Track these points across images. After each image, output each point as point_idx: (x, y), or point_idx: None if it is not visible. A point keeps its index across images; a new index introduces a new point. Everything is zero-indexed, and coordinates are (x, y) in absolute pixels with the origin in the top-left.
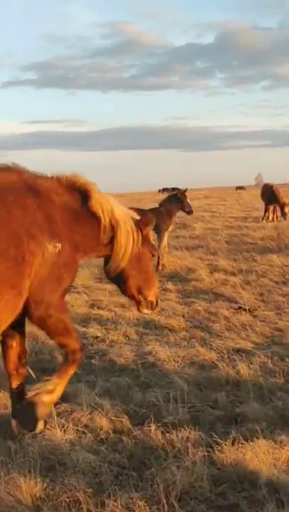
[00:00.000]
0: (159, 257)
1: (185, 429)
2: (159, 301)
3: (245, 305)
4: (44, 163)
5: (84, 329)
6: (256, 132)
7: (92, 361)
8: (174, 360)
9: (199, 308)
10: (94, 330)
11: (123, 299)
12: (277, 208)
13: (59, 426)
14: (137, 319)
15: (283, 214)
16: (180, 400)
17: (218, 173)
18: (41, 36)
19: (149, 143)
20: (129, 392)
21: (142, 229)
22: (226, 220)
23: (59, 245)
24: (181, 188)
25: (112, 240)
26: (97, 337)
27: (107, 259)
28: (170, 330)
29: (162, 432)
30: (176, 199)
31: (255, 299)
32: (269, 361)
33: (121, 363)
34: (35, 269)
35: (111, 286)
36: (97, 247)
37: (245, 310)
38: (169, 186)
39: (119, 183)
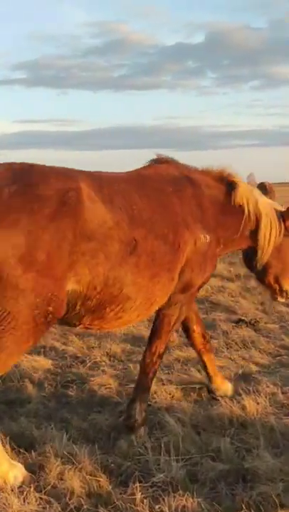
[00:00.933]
0: None
1: (180, 494)
2: None
3: (245, 317)
4: (35, 162)
5: (63, 347)
6: (248, 132)
7: (68, 391)
8: (166, 392)
9: None
10: (73, 348)
11: None
12: None
13: (15, 492)
14: (125, 334)
15: None
16: (173, 449)
17: None
18: (31, 36)
19: (140, 142)
20: (111, 436)
21: (286, 220)
22: None
23: (208, 237)
24: None
25: (252, 233)
26: (76, 357)
27: (248, 251)
28: None
29: (151, 499)
30: None
31: (255, 309)
32: (279, 391)
33: (102, 395)
34: (186, 258)
35: None
36: (235, 241)
37: (245, 323)
38: None
39: None
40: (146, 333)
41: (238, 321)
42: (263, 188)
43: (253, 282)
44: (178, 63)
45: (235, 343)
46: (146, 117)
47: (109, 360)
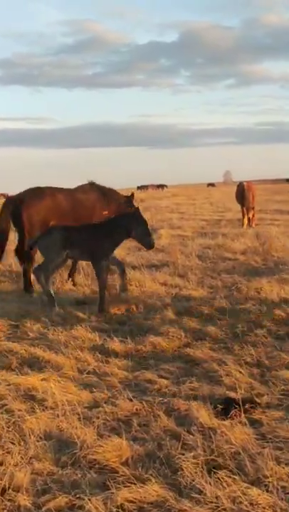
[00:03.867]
0: None
1: None
2: None
3: (236, 393)
4: (9, 160)
5: None
6: (222, 130)
7: None
8: None
9: (158, 398)
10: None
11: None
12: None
13: None
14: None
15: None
16: None
17: (187, 171)
18: (2, 34)
19: (116, 140)
20: None
21: None
22: (197, 224)
23: None
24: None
25: None
26: None
27: None
28: (103, 468)
29: None
30: None
31: (250, 374)
32: None
33: None
34: None
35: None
36: None
37: (235, 406)
38: (139, 184)
39: (86, 180)
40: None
41: (224, 407)
42: None
43: (242, 322)
44: (151, 62)
45: (220, 467)
46: (120, 115)
47: None
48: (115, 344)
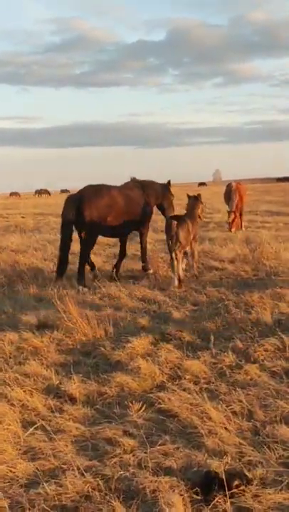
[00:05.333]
0: None
1: None
2: None
3: (221, 462)
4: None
5: None
6: (211, 129)
7: None
8: None
9: (119, 470)
10: None
11: None
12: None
13: None
14: None
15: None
16: None
17: (177, 170)
18: None
19: (104, 140)
20: None
21: None
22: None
23: None
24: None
25: None
26: None
27: None
28: None
29: None
30: None
31: (239, 431)
32: None
33: None
34: None
35: None
36: None
37: (219, 486)
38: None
39: (76, 179)
40: None
41: (207, 482)
42: None
43: (229, 357)
44: (139, 60)
45: None
46: (109, 114)
47: None
48: (74, 386)
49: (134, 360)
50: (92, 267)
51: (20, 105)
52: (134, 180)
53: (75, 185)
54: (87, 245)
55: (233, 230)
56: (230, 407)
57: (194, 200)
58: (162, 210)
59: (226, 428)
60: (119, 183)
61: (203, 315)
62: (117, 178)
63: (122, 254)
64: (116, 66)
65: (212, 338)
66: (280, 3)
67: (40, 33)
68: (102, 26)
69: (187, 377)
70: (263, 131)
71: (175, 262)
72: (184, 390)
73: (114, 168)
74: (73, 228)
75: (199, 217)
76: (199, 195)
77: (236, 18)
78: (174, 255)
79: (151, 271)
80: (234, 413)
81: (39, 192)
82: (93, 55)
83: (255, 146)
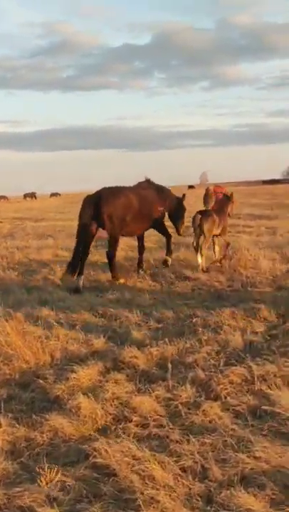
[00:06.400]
0: None
1: None
2: None
3: None
4: None
5: None
6: (200, 132)
7: None
8: None
9: None
10: None
11: None
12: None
13: None
14: None
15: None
16: None
17: (166, 173)
18: None
19: (94, 143)
20: None
21: None
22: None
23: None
24: None
25: None
26: None
27: None
28: None
29: None
30: None
31: (188, 497)
32: None
33: None
34: None
35: None
36: None
37: None
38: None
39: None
40: None
41: None
42: None
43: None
44: (125, 64)
45: None
46: (97, 118)
47: None
48: None
49: (75, 396)
50: (80, 272)
51: (9, 109)
52: (148, 180)
53: (66, 189)
54: (111, 246)
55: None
56: (180, 462)
57: (226, 199)
58: (173, 220)
59: (170, 495)
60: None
61: (167, 334)
62: (108, 181)
63: (142, 248)
64: (102, 70)
65: (170, 366)
66: (267, 7)
67: (26, 37)
68: (88, 30)
69: (134, 418)
70: (251, 134)
71: (200, 251)
72: (129, 436)
73: (104, 171)
74: (92, 229)
75: (229, 214)
76: (232, 194)
77: (223, 22)
78: (196, 245)
79: (170, 261)
80: (184, 470)
81: (27, 195)
82: (79, 58)
83: (244, 149)
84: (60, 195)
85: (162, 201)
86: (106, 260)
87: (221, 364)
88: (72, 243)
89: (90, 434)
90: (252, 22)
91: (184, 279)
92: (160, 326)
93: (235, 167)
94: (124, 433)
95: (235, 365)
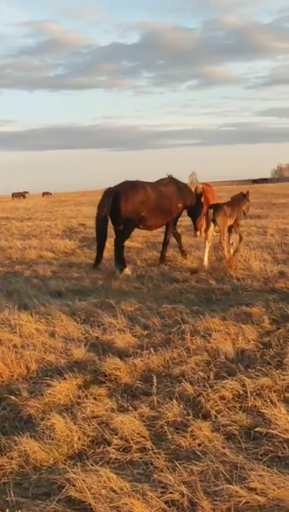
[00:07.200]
0: None
1: None
2: None
3: None
4: None
5: None
6: (187, 131)
7: None
8: None
9: None
10: None
11: None
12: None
13: None
14: None
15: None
16: None
17: (154, 172)
18: None
19: (80, 142)
20: None
21: None
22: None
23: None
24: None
25: None
26: None
27: None
28: None
29: None
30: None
31: None
32: None
33: None
34: None
35: None
36: None
37: None
38: (103, 187)
39: (50, 182)
40: None
41: None
42: None
43: None
44: (113, 63)
45: None
46: (84, 117)
47: None
48: None
49: (49, 415)
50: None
51: None
52: (170, 177)
53: (55, 188)
54: (122, 236)
55: (198, 233)
56: (165, 496)
57: (242, 196)
58: (192, 216)
59: None
60: (100, 185)
61: (152, 343)
62: (96, 181)
63: (177, 235)
64: (90, 69)
65: (155, 380)
66: (252, 8)
67: (13, 36)
68: (75, 29)
69: (115, 441)
70: (238, 133)
71: (207, 244)
72: (108, 463)
73: (91, 170)
74: (108, 220)
75: (243, 212)
76: (248, 192)
77: (210, 22)
78: (207, 239)
79: (166, 267)
80: (169, 504)
81: (15, 195)
82: (67, 57)
83: (231, 148)
84: (51, 194)
85: (182, 198)
86: (90, 261)
87: (211, 377)
88: (56, 243)
89: (65, 460)
90: (238, 23)
91: (172, 282)
92: (146, 333)
93: (223, 166)
94: (102, 459)
95: (227, 378)
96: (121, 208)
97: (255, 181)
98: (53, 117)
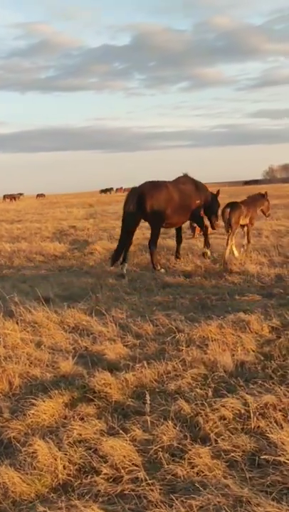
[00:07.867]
0: None
1: None
2: None
3: None
4: None
5: None
6: (178, 132)
7: None
8: None
9: None
10: None
11: None
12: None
13: None
14: None
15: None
16: None
17: (145, 174)
18: None
19: (72, 144)
20: None
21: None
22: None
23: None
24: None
25: None
26: None
27: None
28: None
29: None
30: None
31: None
32: None
33: None
34: None
35: None
36: None
37: None
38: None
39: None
40: None
41: None
42: None
43: None
44: (104, 65)
45: None
46: (75, 119)
47: None
48: None
49: (32, 440)
50: (124, 260)
51: None
52: (186, 175)
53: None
54: (153, 236)
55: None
56: None
57: (260, 196)
58: (207, 214)
59: None
60: (94, 187)
61: (145, 353)
62: (89, 182)
63: (180, 238)
64: (81, 70)
65: (148, 397)
66: (244, 10)
67: (3, 37)
68: (67, 31)
69: (104, 470)
70: (230, 134)
71: (230, 242)
72: (96, 496)
73: (84, 171)
74: (135, 220)
75: (263, 212)
76: (266, 192)
77: (200, 24)
78: (228, 236)
79: (209, 254)
80: None
81: (6, 197)
82: (58, 59)
83: (223, 150)
84: (44, 196)
85: (199, 195)
86: (81, 266)
87: (210, 394)
88: (46, 246)
89: (48, 492)
90: (229, 24)
91: (165, 286)
92: (138, 342)
93: (215, 168)
94: (90, 492)
95: (227, 396)
96: (146, 207)
97: (246, 183)
98: (45, 119)
